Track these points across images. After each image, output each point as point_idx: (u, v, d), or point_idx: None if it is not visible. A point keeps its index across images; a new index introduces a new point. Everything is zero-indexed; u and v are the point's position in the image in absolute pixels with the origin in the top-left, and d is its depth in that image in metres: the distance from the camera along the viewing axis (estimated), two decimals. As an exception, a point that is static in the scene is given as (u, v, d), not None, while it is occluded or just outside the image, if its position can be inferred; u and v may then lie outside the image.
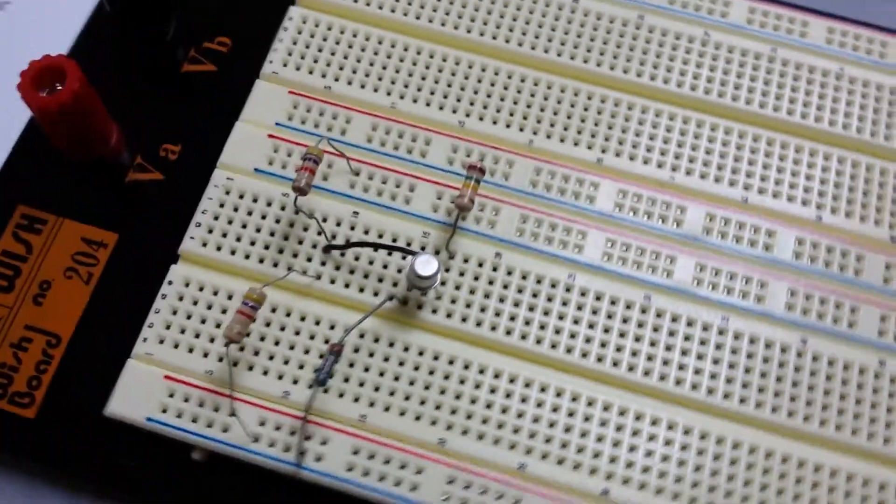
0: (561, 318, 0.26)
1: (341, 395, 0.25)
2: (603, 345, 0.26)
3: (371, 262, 0.27)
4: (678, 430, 0.25)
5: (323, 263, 0.26)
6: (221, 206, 0.27)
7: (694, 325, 0.26)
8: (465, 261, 0.27)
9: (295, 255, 0.27)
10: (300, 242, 0.27)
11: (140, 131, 0.29)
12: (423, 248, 0.27)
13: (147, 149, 0.29)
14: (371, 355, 0.25)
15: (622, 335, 0.26)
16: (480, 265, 0.27)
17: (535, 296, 0.26)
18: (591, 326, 0.26)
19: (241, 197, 0.27)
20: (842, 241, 0.28)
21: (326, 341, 0.25)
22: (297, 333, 0.25)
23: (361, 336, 0.25)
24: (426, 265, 0.24)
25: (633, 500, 0.24)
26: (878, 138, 0.29)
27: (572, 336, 0.26)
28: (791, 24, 0.31)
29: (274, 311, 0.26)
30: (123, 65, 0.31)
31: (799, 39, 0.31)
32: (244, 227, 0.27)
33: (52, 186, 0.28)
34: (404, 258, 0.26)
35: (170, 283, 0.26)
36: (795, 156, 0.29)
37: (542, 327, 0.26)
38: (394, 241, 0.27)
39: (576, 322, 0.26)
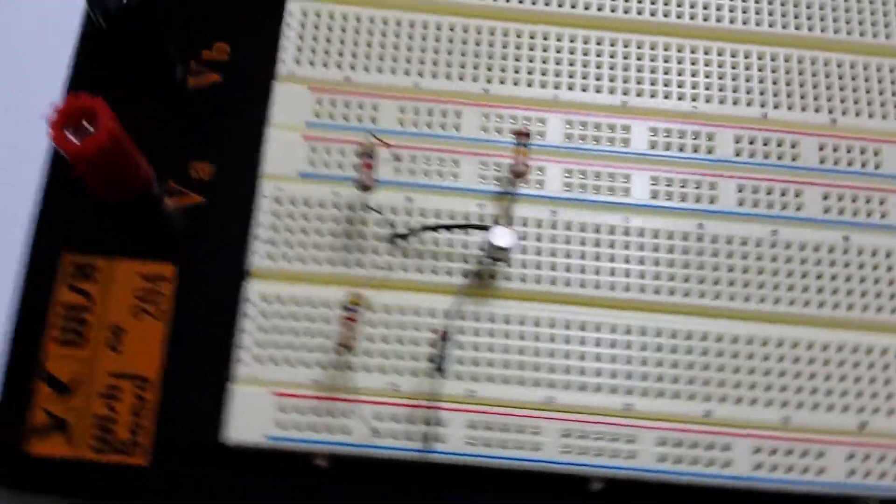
0: (627, 261, 0.27)
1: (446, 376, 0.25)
2: (672, 278, 0.27)
3: (436, 244, 0.27)
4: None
5: (391, 254, 0.27)
6: (277, 217, 0.27)
7: (748, 242, 0.28)
8: (524, 224, 0.27)
9: (362, 252, 0.27)
10: (364, 238, 0.27)
11: (162, 155, 0.29)
12: (481, 219, 0.27)
13: (176, 172, 0.28)
14: (462, 333, 0.26)
15: (686, 266, 0.27)
16: (539, 226, 0.27)
17: (597, 245, 0.27)
18: (656, 263, 0.27)
19: (294, 204, 0.27)
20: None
21: (416, 329, 0.26)
22: (387, 326, 0.26)
23: (448, 316, 0.26)
24: (502, 237, 0.25)
25: (736, 416, 0.25)
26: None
27: (642, 276, 0.27)
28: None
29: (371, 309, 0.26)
30: (126, 86, 0.29)
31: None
32: (305, 233, 0.27)
33: (93, 228, 0.28)
34: (466, 233, 0.27)
35: (249, 301, 0.26)
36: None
37: (612, 273, 0.27)
38: (451, 218, 0.27)
39: (641, 262, 0.27)
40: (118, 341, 0.26)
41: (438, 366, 0.24)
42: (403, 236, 0.27)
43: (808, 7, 0.31)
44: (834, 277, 0.27)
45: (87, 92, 0.25)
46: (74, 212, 0.28)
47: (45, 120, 0.28)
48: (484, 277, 0.27)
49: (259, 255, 0.26)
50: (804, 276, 0.27)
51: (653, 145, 0.29)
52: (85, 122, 0.25)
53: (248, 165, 0.28)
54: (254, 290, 0.26)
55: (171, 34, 0.29)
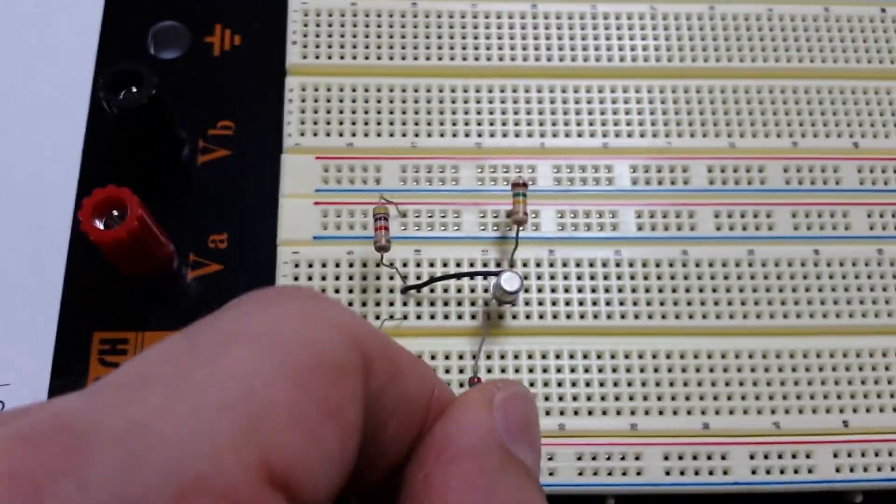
0: (621, 290, 0.30)
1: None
2: (662, 303, 0.30)
3: (446, 290, 0.29)
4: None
5: (405, 304, 0.29)
6: (296, 279, 0.29)
7: (728, 264, 0.30)
8: (525, 265, 0.30)
9: (377, 304, 0.29)
10: (378, 291, 0.29)
11: (182, 230, 0.31)
12: (485, 265, 0.30)
13: (197, 246, 0.31)
14: (489, 371, 0.28)
15: (675, 290, 0.30)
16: (538, 265, 0.30)
17: (593, 277, 0.30)
18: (647, 290, 0.30)
19: (311, 266, 0.30)
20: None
21: (437, 371, 0.28)
22: (409, 372, 0.28)
23: (461, 357, 0.28)
24: (511, 281, 0.27)
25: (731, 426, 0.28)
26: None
27: (635, 304, 0.30)
28: None
29: (379, 358, 0.28)
30: (139, 167, 0.32)
31: None
32: (323, 291, 0.29)
33: (119, 304, 0.30)
34: (472, 279, 0.29)
35: (280, 362, 0.28)
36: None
37: (609, 303, 0.30)
38: (458, 266, 0.30)
39: (634, 290, 0.30)
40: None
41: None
42: (418, 286, 0.29)
43: (762, 40, 0.34)
44: (808, 289, 0.30)
45: (101, 177, 0.27)
46: (100, 290, 0.30)
47: (71, 211, 0.30)
48: (490, 318, 0.29)
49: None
50: (781, 290, 0.30)
51: (635, 181, 0.32)
52: (114, 212, 0.28)
53: (262, 231, 0.30)
54: (283, 350, 0.28)
55: (178, 118, 0.31)
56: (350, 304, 0.29)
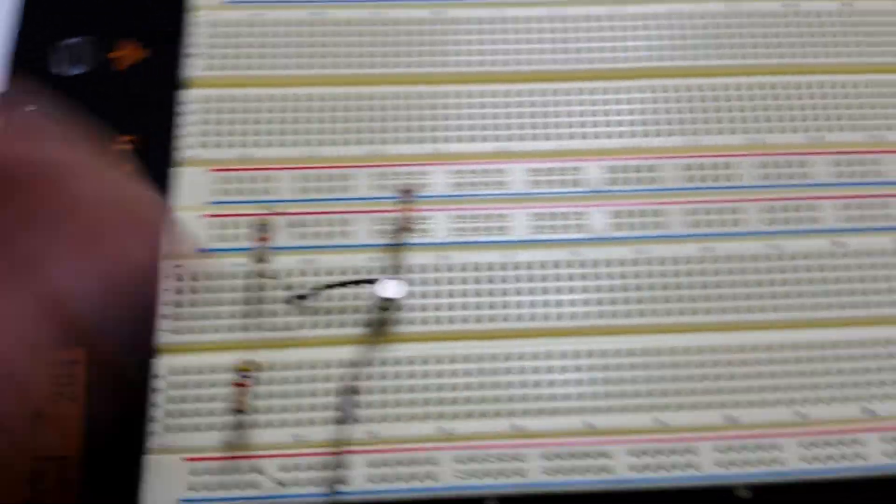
0: (509, 294, 0.30)
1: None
2: (551, 304, 0.30)
3: (334, 300, 0.29)
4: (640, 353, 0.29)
5: (295, 314, 0.29)
6: (180, 293, 0.29)
7: (611, 265, 0.30)
8: (416, 271, 0.30)
9: (263, 316, 0.29)
10: (263, 302, 0.29)
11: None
12: (381, 271, 0.30)
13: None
14: (362, 379, 0.28)
15: (564, 291, 0.30)
16: (431, 271, 0.30)
17: (482, 282, 0.30)
18: (536, 293, 0.30)
19: (195, 279, 0.30)
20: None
21: (316, 380, 0.28)
22: (289, 382, 0.28)
23: (352, 366, 0.28)
24: (392, 288, 0.27)
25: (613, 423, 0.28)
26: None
27: (523, 306, 0.30)
28: None
29: (261, 369, 0.28)
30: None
31: None
32: (208, 305, 0.29)
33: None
34: (358, 285, 0.29)
35: (159, 376, 0.28)
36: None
37: (498, 307, 0.29)
38: (351, 273, 0.30)
39: (522, 293, 0.30)
40: (39, 427, 0.28)
41: (347, 418, 0.26)
42: (301, 297, 0.29)
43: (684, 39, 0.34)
44: (691, 287, 0.30)
45: None
46: None
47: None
48: (379, 326, 0.29)
49: (166, 330, 0.29)
50: (665, 288, 0.30)
51: (530, 184, 0.32)
52: None
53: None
54: (164, 364, 0.28)
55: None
56: (235, 317, 0.29)
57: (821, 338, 0.29)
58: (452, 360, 0.29)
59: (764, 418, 0.28)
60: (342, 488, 0.27)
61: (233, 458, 0.27)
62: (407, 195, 0.29)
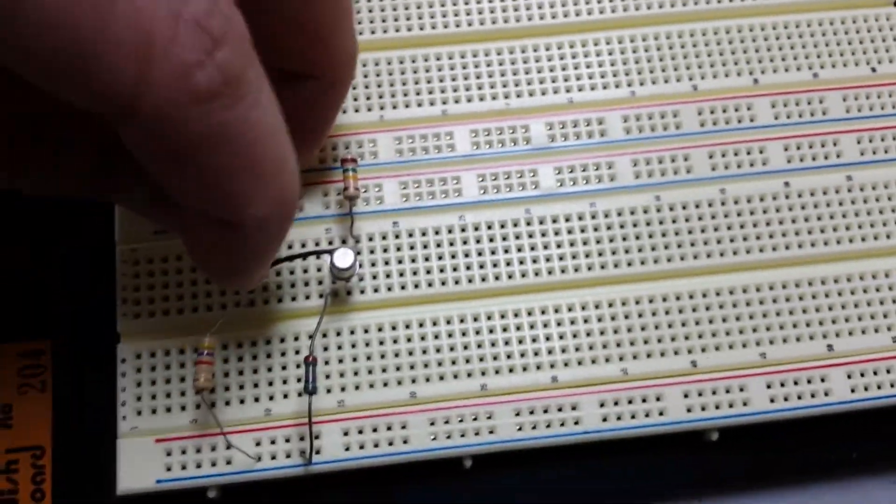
0: (467, 255, 0.30)
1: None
2: (509, 263, 0.30)
3: (292, 272, 0.29)
4: (599, 306, 0.29)
5: (251, 291, 0.29)
6: (137, 276, 0.29)
7: (570, 219, 0.31)
8: (370, 239, 0.30)
9: (223, 293, 0.29)
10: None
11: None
12: (330, 243, 0.30)
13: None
14: (325, 349, 0.28)
15: (520, 249, 0.30)
16: (384, 238, 0.30)
17: (438, 245, 0.30)
18: (493, 252, 0.30)
19: (151, 262, 0.29)
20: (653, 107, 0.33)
21: (282, 354, 0.28)
22: (255, 357, 0.28)
23: (310, 337, 0.28)
24: (343, 258, 0.27)
25: (578, 376, 0.28)
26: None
27: (481, 266, 0.30)
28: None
29: (225, 347, 0.28)
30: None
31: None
32: (166, 287, 0.29)
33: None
34: (319, 258, 0.29)
35: (123, 361, 0.28)
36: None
37: (455, 269, 0.30)
38: (303, 246, 0.30)
39: (479, 254, 0.30)
40: (9, 418, 0.28)
41: (309, 389, 0.26)
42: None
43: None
44: (638, 237, 0.30)
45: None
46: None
47: None
48: (338, 295, 0.29)
49: (125, 315, 0.28)
50: (611, 240, 0.30)
51: (475, 145, 0.32)
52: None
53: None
54: (126, 349, 0.28)
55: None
56: (193, 297, 0.29)
57: (781, 277, 0.30)
58: (420, 324, 0.29)
59: (729, 361, 0.29)
60: (317, 458, 0.27)
61: (203, 435, 0.27)
62: (350, 163, 0.29)
